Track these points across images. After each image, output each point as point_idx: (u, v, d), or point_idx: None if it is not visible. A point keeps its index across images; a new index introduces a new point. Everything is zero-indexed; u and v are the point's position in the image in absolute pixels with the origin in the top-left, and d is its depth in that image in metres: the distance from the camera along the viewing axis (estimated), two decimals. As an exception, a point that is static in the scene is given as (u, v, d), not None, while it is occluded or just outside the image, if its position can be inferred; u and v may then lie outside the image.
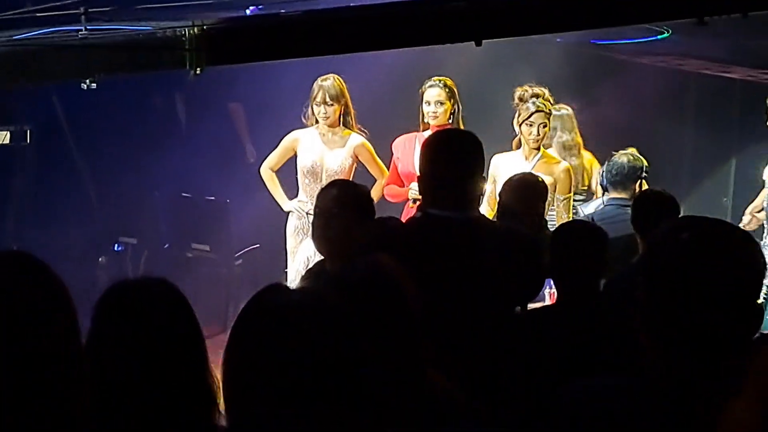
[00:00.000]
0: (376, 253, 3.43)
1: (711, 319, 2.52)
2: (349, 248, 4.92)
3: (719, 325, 2.52)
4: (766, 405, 1.77)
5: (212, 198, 9.63)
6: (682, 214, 10.37)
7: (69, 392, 2.12)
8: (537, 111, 7.25)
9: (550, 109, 7.34)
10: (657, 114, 10.41)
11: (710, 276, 2.51)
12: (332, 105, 7.64)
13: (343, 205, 5.04)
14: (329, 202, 5.08)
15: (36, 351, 2.09)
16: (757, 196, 8.37)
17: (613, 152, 7.33)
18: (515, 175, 6.25)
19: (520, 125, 7.30)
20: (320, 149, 7.70)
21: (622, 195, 6.96)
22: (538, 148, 7.30)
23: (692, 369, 2.52)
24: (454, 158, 4.68)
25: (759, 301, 2.59)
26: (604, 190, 7.21)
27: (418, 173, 4.84)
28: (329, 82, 7.68)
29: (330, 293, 2.43)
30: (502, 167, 7.30)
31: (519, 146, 7.40)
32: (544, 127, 7.27)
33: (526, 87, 7.38)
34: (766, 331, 2.77)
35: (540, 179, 6.27)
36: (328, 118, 7.65)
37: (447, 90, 7.54)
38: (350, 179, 7.34)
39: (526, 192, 5.95)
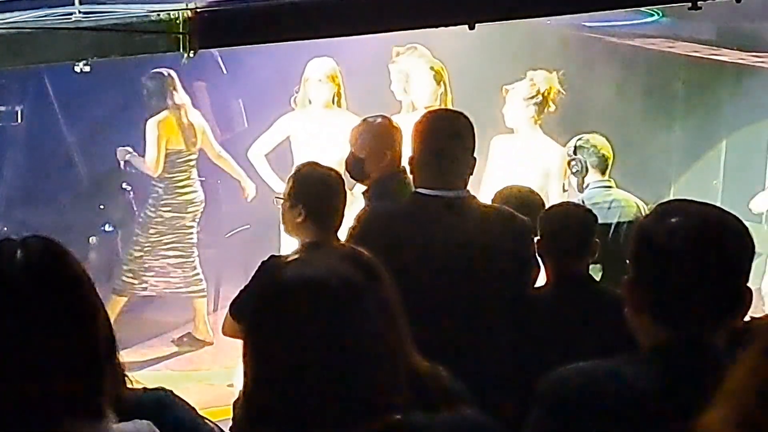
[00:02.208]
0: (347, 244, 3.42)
1: (699, 302, 2.55)
2: (314, 232, 4.99)
3: (708, 308, 2.56)
4: (741, 415, 1.78)
5: (203, 178, 9.62)
6: (674, 197, 10.38)
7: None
8: (512, 89, 7.26)
9: (530, 92, 7.26)
10: (647, 96, 10.43)
11: (699, 259, 2.54)
12: (327, 84, 7.64)
13: (309, 189, 5.06)
14: (292, 187, 5.11)
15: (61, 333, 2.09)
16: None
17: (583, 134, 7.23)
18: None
19: None
20: (317, 132, 7.69)
21: (603, 177, 6.95)
22: (533, 129, 7.29)
23: (680, 351, 2.56)
24: (446, 138, 4.72)
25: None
26: (585, 171, 7.18)
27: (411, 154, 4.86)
28: (322, 61, 7.69)
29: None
30: (498, 149, 7.30)
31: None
32: (517, 106, 7.22)
33: (540, 71, 7.36)
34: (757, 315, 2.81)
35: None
36: (322, 97, 7.64)
37: (435, 72, 7.53)
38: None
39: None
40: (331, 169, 5.30)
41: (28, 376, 2.05)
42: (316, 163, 5.31)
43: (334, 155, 7.26)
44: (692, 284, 2.54)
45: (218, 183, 9.52)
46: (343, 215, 5.12)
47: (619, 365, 2.60)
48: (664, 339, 2.57)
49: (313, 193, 5.07)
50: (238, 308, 5.01)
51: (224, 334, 5.26)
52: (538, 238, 4.82)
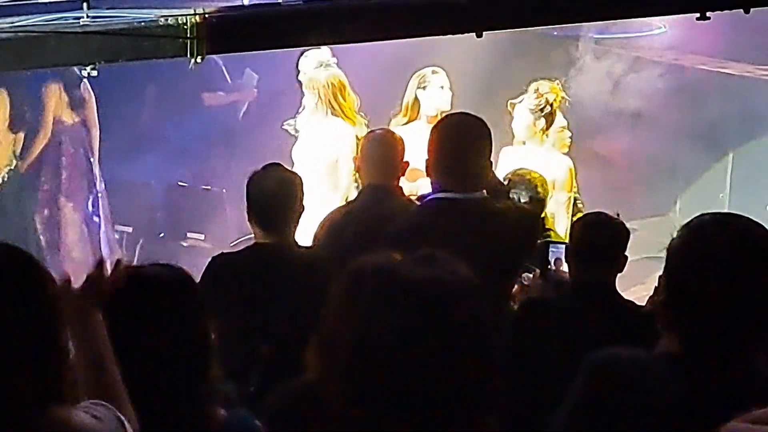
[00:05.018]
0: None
1: (734, 324, 2.56)
2: (259, 233, 5.08)
3: (743, 329, 2.57)
4: None
5: (208, 187, 9.63)
6: (680, 209, 10.38)
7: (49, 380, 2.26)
8: (516, 103, 7.25)
9: (536, 104, 7.24)
10: (654, 108, 10.42)
11: (733, 283, 2.55)
12: (308, 91, 7.64)
13: (254, 190, 5.13)
14: (246, 188, 5.18)
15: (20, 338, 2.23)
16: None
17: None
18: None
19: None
20: (308, 137, 7.73)
21: None
22: (541, 141, 7.28)
23: (709, 364, 2.58)
24: (465, 141, 4.77)
25: None
26: None
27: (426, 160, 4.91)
28: (309, 71, 7.69)
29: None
30: (507, 160, 7.29)
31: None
32: (523, 118, 7.21)
33: (541, 81, 7.35)
34: None
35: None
36: (308, 105, 7.66)
37: (447, 77, 7.57)
38: (337, 168, 7.41)
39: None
40: (290, 173, 5.39)
41: None
42: (277, 165, 5.35)
43: (319, 164, 7.39)
44: (727, 307, 2.55)
45: (223, 191, 9.51)
46: (291, 218, 5.14)
47: (657, 360, 2.63)
48: (694, 352, 2.58)
49: (256, 195, 5.13)
50: None
51: None
52: (567, 244, 4.83)
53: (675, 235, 2.67)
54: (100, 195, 9.26)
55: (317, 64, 7.61)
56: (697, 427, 2.46)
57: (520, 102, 7.23)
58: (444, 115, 6.77)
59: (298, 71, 7.67)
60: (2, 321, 2.21)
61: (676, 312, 2.61)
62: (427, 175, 4.91)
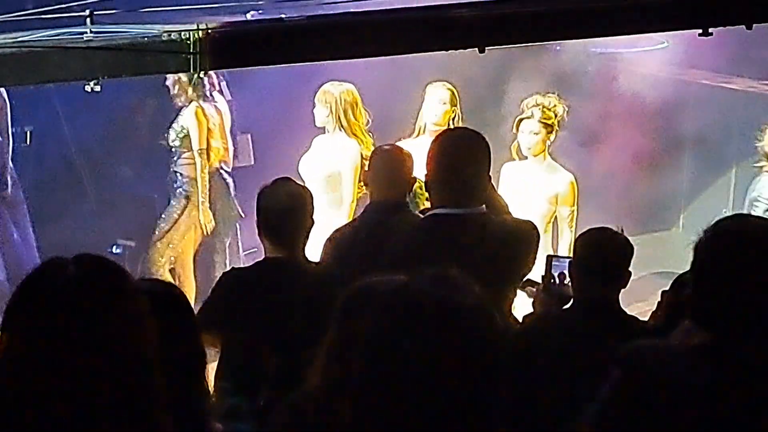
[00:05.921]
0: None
1: (752, 314, 2.71)
2: (269, 248, 5.12)
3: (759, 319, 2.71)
4: None
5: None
6: (683, 225, 10.38)
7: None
8: (525, 119, 7.24)
9: (546, 119, 7.24)
10: (657, 124, 10.43)
11: (747, 276, 2.71)
12: (316, 107, 7.67)
13: (262, 204, 5.19)
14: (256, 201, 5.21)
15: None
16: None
17: None
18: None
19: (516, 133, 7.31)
20: (313, 150, 7.77)
21: None
22: (544, 156, 7.28)
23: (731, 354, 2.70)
24: (463, 156, 4.78)
25: None
26: None
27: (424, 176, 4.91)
28: (323, 87, 7.73)
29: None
30: (509, 176, 7.30)
31: (518, 151, 7.37)
32: (536, 134, 7.21)
33: (535, 96, 7.36)
34: None
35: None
36: (317, 120, 7.74)
37: (451, 93, 7.57)
38: (339, 183, 7.44)
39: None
40: (300, 187, 5.41)
41: (79, 382, 2.12)
42: (287, 179, 5.36)
43: (312, 172, 7.55)
44: (750, 296, 2.70)
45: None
46: (301, 233, 5.16)
47: (684, 351, 2.78)
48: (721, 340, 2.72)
49: (267, 209, 5.14)
50: (203, 319, 5.08)
51: None
52: (570, 259, 4.82)
53: (700, 235, 2.82)
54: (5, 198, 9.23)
55: None
56: (728, 410, 2.63)
57: (530, 117, 7.23)
58: (442, 131, 6.78)
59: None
60: (88, 333, 2.14)
61: (703, 305, 2.75)
62: (426, 190, 4.91)
